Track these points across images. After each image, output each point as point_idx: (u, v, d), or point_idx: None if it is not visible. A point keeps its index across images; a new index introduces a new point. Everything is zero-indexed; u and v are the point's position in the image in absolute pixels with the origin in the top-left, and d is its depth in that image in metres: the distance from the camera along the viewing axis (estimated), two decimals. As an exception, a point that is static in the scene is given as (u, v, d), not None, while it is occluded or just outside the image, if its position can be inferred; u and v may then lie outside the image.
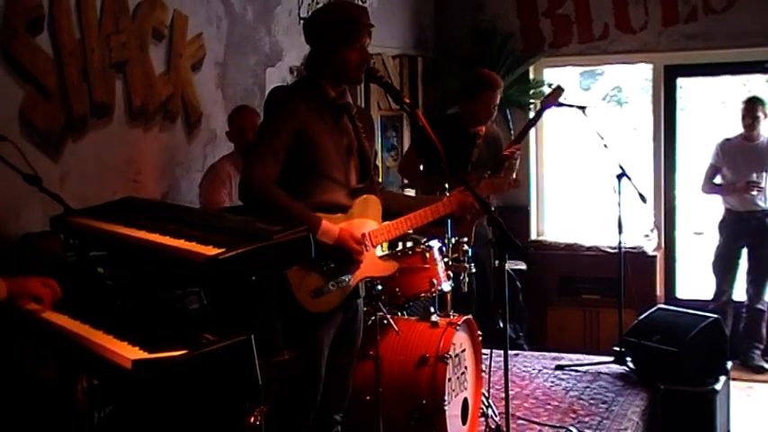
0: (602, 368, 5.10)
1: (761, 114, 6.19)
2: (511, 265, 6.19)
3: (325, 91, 3.11)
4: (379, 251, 3.45)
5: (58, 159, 3.71)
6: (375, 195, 3.25)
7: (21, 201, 3.44)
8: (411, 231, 5.02)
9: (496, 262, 3.45)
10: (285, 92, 3.15)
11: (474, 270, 4.03)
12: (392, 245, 4.43)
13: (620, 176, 5.14)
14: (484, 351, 4.03)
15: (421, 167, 5.03)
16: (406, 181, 5.14)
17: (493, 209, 4.77)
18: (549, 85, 6.86)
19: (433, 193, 3.83)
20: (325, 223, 2.99)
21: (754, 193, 6.11)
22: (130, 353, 2.22)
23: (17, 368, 2.89)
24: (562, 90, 4.87)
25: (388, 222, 3.28)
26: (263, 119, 3.14)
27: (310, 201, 3.02)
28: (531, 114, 7.02)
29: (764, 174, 6.16)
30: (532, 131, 7.11)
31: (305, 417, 3.11)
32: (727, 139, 6.37)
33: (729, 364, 4.90)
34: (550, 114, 7.03)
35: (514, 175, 4.90)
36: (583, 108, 5.25)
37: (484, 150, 4.86)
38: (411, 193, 5.20)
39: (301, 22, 5.26)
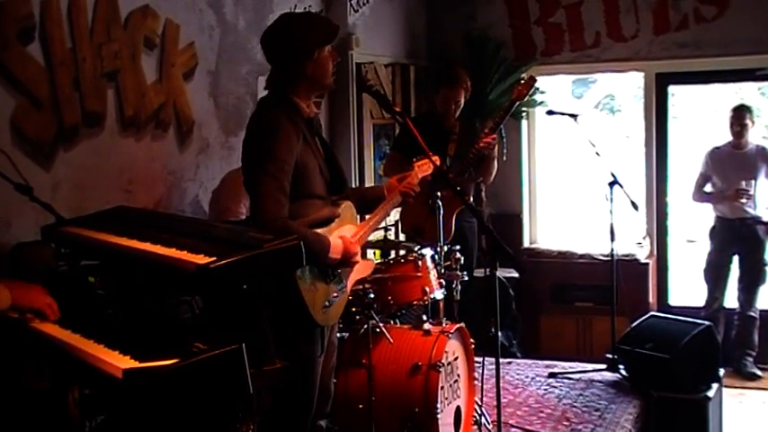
0: (595, 375, 5.09)
1: (748, 122, 6.22)
2: (503, 272, 6.21)
3: (300, 108, 3.07)
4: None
5: (49, 169, 3.70)
6: (348, 200, 3.29)
7: (12, 210, 3.43)
8: (404, 239, 5.07)
9: (487, 270, 3.45)
10: (276, 117, 3.00)
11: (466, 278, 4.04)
12: (385, 253, 4.43)
13: (612, 184, 5.14)
14: (476, 359, 4.03)
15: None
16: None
17: (486, 218, 4.79)
18: (542, 93, 6.89)
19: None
20: (333, 240, 3.03)
21: (744, 200, 6.12)
22: (122, 362, 2.22)
23: (15, 380, 2.88)
24: (534, 80, 4.90)
25: (361, 223, 3.34)
26: (259, 146, 2.99)
27: (305, 220, 3.02)
28: (525, 123, 7.08)
29: (753, 181, 6.17)
30: (524, 141, 7.15)
31: (302, 425, 3.11)
32: (716, 148, 6.40)
33: (722, 372, 4.91)
34: (543, 122, 7.13)
35: (495, 166, 4.96)
36: (575, 116, 5.28)
37: (462, 144, 4.92)
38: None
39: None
